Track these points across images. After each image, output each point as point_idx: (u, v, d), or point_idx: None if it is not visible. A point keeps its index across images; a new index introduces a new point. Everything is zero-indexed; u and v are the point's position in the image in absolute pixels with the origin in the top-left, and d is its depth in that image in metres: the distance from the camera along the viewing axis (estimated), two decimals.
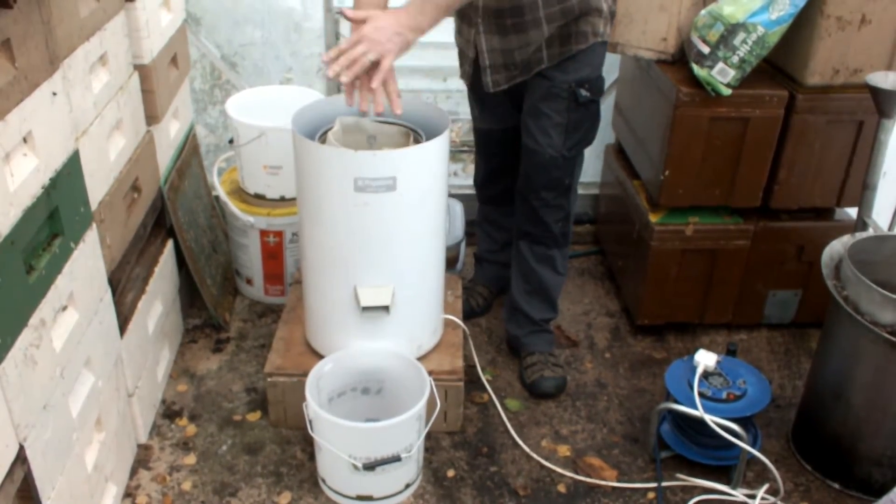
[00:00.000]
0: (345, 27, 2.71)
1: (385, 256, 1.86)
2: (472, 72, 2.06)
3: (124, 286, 1.95)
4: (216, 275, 2.50)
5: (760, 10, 2.04)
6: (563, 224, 2.17)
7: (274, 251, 2.48)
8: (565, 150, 2.05)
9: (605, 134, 2.88)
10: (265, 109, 2.45)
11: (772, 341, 2.47)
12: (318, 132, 1.90)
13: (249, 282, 2.57)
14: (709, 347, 2.41)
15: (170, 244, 2.24)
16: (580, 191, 2.98)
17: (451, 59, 2.20)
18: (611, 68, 2.75)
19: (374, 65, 1.70)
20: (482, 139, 2.31)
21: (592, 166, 2.95)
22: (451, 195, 2.78)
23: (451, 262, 2.56)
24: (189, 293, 2.47)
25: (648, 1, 2.20)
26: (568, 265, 2.35)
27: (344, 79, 1.68)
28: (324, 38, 2.70)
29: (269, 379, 2.01)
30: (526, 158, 2.10)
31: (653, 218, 2.34)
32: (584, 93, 1.99)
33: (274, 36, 2.69)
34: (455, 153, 2.91)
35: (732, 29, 2.05)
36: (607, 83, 2.80)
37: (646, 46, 2.26)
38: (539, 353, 2.28)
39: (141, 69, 2.00)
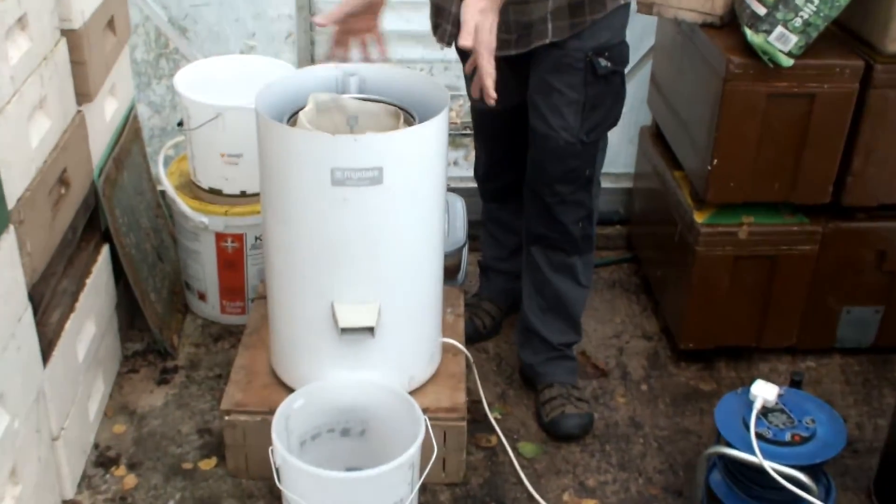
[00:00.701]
0: None
1: (369, 266, 1.85)
2: (457, 32, 2.03)
3: (49, 303, 1.94)
4: (162, 288, 2.50)
5: None
6: (584, 225, 2.17)
7: (232, 259, 2.48)
8: (583, 133, 2.05)
9: (639, 113, 2.88)
10: (222, 85, 2.45)
11: (847, 370, 2.47)
12: (287, 113, 1.90)
13: (202, 297, 2.56)
14: (769, 377, 2.37)
15: (105, 251, 2.24)
16: (608, 184, 2.98)
17: None
18: (646, 33, 2.76)
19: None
20: (481, 121, 2.31)
21: (624, 153, 2.95)
22: (450, 189, 2.76)
23: (450, 273, 2.56)
24: (129, 311, 2.46)
25: None
26: (593, 275, 2.34)
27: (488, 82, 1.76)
28: None
29: (226, 418, 2.00)
30: (535, 145, 2.10)
31: (698, 217, 2.33)
32: (603, 62, 1.99)
33: None
34: (455, 137, 2.91)
35: None
36: (642, 51, 2.82)
37: (688, 7, 2.26)
38: (559, 384, 2.28)
39: (70, 35, 2.00)
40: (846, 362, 2.48)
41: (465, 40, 1.77)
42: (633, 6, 2.62)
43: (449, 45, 2.06)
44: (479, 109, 2.28)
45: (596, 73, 1.99)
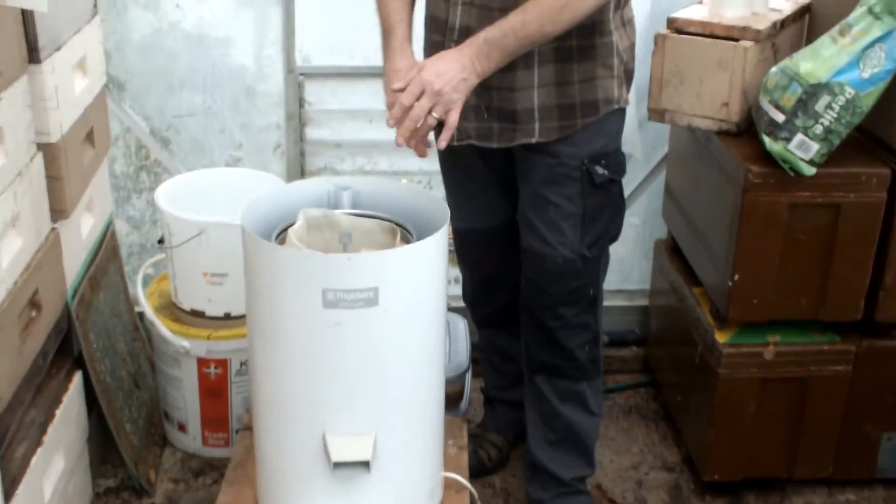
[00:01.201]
0: (310, 93, 2.78)
1: (364, 394, 1.85)
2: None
3: (14, 435, 1.94)
4: (138, 419, 2.49)
5: (848, 67, 2.09)
6: (590, 348, 2.17)
7: (216, 387, 2.48)
8: (584, 248, 2.06)
9: (653, 226, 2.91)
10: (206, 199, 2.48)
11: (890, 503, 2.44)
12: (275, 229, 1.92)
13: (182, 428, 2.56)
14: None
15: (77, 378, 2.24)
16: (622, 302, 2.99)
17: None
18: (658, 141, 2.82)
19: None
20: (463, 243, 2.31)
21: (638, 269, 2.97)
22: (451, 309, 2.77)
23: (452, 401, 2.56)
24: (101, 444, 2.45)
25: (703, 55, 2.25)
26: (607, 401, 2.34)
27: (401, 142, 1.84)
28: (283, 106, 2.77)
29: None
30: (531, 265, 2.11)
31: (720, 337, 2.35)
32: (601, 171, 2.01)
33: (219, 103, 2.76)
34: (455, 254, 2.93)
35: (813, 91, 2.10)
36: (655, 159, 2.87)
37: (702, 114, 2.30)
38: None
39: (46, 149, 2.04)
40: (890, 495, 2.45)
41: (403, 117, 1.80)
42: (639, 113, 2.69)
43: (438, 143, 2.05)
44: (461, 229, 2.28)
45: (594, 183, 2.01)
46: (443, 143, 1.86)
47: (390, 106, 1.87)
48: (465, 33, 1.91)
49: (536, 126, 1.98)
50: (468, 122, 1.99)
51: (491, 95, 1.96)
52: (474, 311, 2.44)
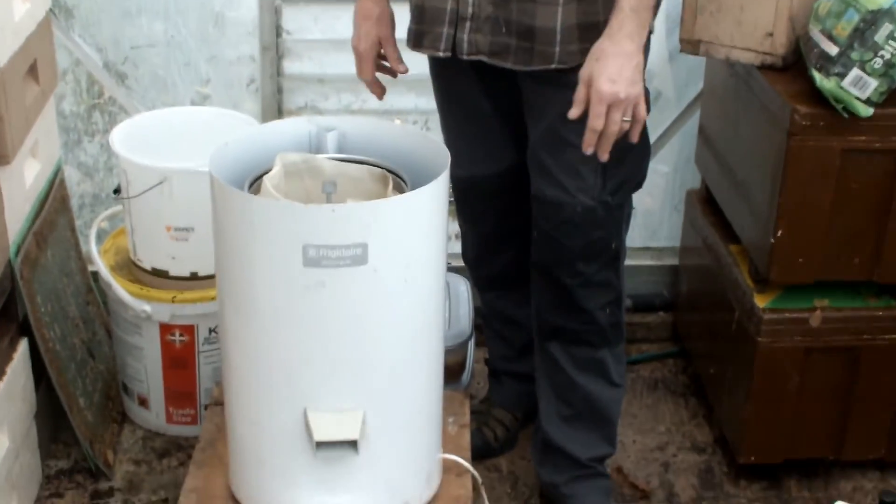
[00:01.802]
0: (288, 20, 2.75)
1: (351, 365, 1.85)
2: (448, 38, 2.02)
3: None
4: (93, 392, 2.50)
5: None
6: (612, 310, 2.18)
7: (181, 356, 2.49)
8: (607, 194, 2.07)
9: (684, 174, 2.91)
10: (169, 143, 2.47)
11: None
12: (248, 177, 1.91)
13: (144, 403, 2.56)
14: (852, 498, 2.40)
15: (23, 346, 2.24)
16: (648, 261, 3.01)
17: None
18: (692, 77, 2.80)
19: None
20: (464, 193, 2.32)
21: (668, 223, 2.97)
22: (451, 269, 2.77)
23: (453, 373, 2.56)
24: (52, 420, 2.46)
25: None
26: (630, 373, 2.34)
27: (607, 157, 1.93)
28: (257, 35, 2.75)
29: None
30: (545, 216, 2.11)
31: (760, 301, 2.35)
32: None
33: (183, 32, 2.73)
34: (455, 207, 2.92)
35: (872, 18, 2.08)
36: (688, 98, 2.86)
37: (742, 45, 2.29)
38: None
39: None
40: None
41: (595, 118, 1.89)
42: (669, 44, 2.70)
43: (445, 52, 2.03)
44: (462, 177, 2.25)
45: None
46: (636, 138, 1.93)
47: (359, 71, 2.13)
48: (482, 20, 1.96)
49: (557, 49, 1.98)
50: (482, 35, 1.99)
51: (511, 7, 1.96)
52: (476, 272, 2.45)
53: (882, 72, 2.10)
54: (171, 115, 2.57)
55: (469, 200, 2.33)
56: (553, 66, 1.99)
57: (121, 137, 2.43)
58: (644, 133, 2.06)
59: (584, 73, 1.90)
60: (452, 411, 2.25)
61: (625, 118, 1.88)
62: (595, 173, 2.05)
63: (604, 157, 1.91)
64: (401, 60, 2.14)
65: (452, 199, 2.87)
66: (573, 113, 1.90)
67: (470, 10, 1.98)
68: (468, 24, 2.00)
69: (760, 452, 2.42)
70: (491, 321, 2.51)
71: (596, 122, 1.88)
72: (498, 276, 2.40)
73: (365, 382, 1.87)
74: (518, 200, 2.20)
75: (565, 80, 1.98)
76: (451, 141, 2.23)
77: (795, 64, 2.27)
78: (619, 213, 2.12)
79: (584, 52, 1.96)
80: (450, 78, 2.14)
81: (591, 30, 1.96)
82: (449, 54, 2.03)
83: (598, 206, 2.07)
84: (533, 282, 2.21)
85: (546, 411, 2.27)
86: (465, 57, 2.01)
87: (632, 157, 2.07)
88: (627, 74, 1.86)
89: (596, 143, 1.90)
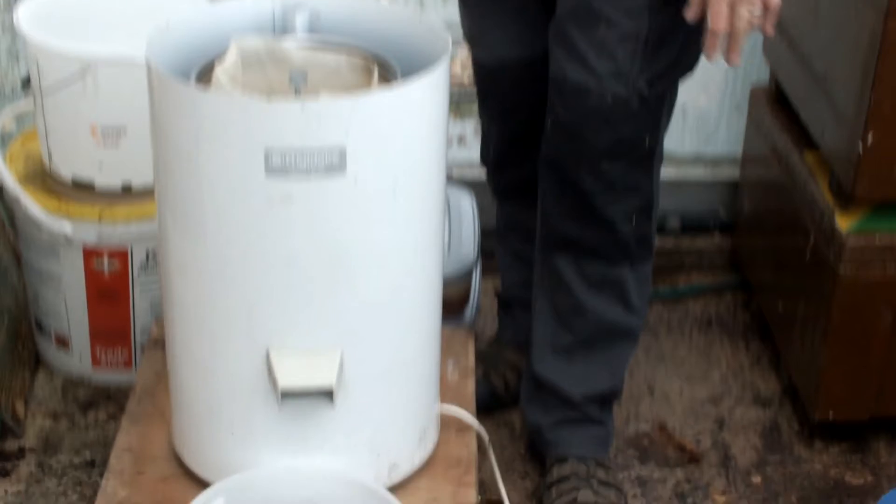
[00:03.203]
0: None
1: (325, 295, 1.86)
2: None
3: None
4: None
5: None
6: (639, 220, 2.21)
7: (111, 287, 2.52)
8: (643, 82, 2.09)
9: (747, 66, 2.92)
10: (93, 23, 2.48)
11: None
12: (196, 66, 1.91)
13: (63, 343, 2.60)
14: None
15: None
16: (701, 173, 3.02)
17: None
18: None
19: None
20: (489, 82, 2.35)
21: (725, 126, 2.99)
22: (452, 181, 2.80)
23: (455, 307, 2.60)
24: None
25: None
26: (679, 309, 2.36)
27: (737, 61, 1.95)
28: None
29: None
30: (565, 102, 2.13)
31: (842, 223, 2.38)
32: None
33: None
34: (461, 103, 2.96)
35: None
36: None
37: None
38: (576, 460, 2.32)
39: None
40: None
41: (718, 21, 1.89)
42: None
43: None
44: (483, 66, 2.31)
45: None
46: (770, 31, 1.94)
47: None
48: None
49: None
50: None
51: None
52: (498, 176, 2.50)
53: None
54: None
55: (494, 91, 2.36)
56: None
57: (29, 14, 2.41)
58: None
59: None
60: (453, 353, 2.27)
61: (755, 13, 1.90)
62: (632, 55, 2.06)
63: (735, 61, 1.93)
64: None
65: (455, 94, 2.92)
66: (691, 14, 1.92)
67: None
68: None
69: (841, 407, 2.46)
70: (508, 238, 2.55)
71: (718, 22, 1.89)
72: (522, 183, 2.43)
73: (342, 317, 1.87)
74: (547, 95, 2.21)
75: None
76: (474, 21, 2.27)
77: None
78: (659, 105, 2.14)
79: None
80: None
81: None
82: None
83: (633, 95, 2.09)
84: (541, 181, 2.24)
85: (539, 339, 2.32)
86: None
87: (682, 36, 2.08)
88: None
89: (733, 53, 1.93)
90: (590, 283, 2.26)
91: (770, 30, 1.93)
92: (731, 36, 1.90)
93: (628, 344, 2.35)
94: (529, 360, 2.37)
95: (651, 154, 2.18)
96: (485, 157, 2.50)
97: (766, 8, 1.90)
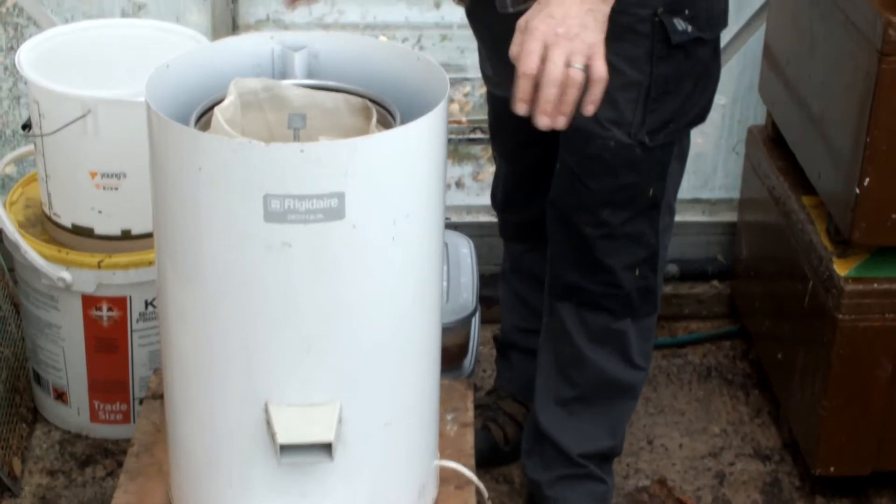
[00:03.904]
0: None
1: (324, 346, 1.86)
2: None
3: None
4: None
5: None
6: (642, 273, 2.20)
7: (110, 337, 2.50)
8: (645, 133, 2.09)
9: (745, 107, 2.92)
10: (94, 65, 2.47)
11: None
12: (195, 109, 1.91)
13: (61, 397, 2.58)
14: None
15: None
16: (700, 217, 3.01)
17: None
18: None
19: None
20: (501, 117, 2.34)
21: (723, 169, 2.99)
22: (451, 226, 2.79)
23: (453, 357, 2.58)
24: None
25: None
26: (677, 359, 2.36)
27: (563, 124, 1.81)
28: None
29: None
30: (570, 146, 2.13)
31: (841, 268, 2.37)
32: (681, 25, 2.02)
33: None
34: (459, 145, 2.95)
35: None
36: (750, 9, 2.86)
37: None
38: None
39: None
40: None
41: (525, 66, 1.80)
42: None
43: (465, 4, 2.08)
44: (498, 98, 2.30)
45: (669, 42, 2.02)
46: (592, 109, 1.83)
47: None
48: None
49: None
50: None
51: None
52: (507, 217, 2.49)
53: None
54: (96, 30, 2.56)
55: (506, 127, 2.35)
56: None
57: (31, 58, 2.41)
58: (710, 56, 2.09)
59: (520, 22, 1.85)
60: (452, 406, 2.26)
61: (576, 64, 1.80)
62: (635, 104, 2.06)
63: (542, 122, 1.81)
64: None
65: (455, 137, 2.91)
66: (511, 53, 1.84)
67: None
68: None
69: (842, 461, 2.44)
70: (512, 280, 2.54)
71: (527, 61, 1.80)
72: (529, 225, 2.42)
73: (341, 370, 1.87)
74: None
75: None
76: (490, 55, 2.27)
77: None
78: (664, 156, 2.13)
79: None
80: None
81: None
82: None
83: (636, 143, 2.08)
84: (548, 224, 2.23)
85: (542, 390, 2.31)
86: (510, 9, 2.02)
87: (687, 86, 2.08)
88: (572, 13, 1.81)
89: (533, 96, 1.82)
90: (591, 335, 2.25)
91: (589, 109, 1.83)
92: (542, 84, 1.80)
93: (629, 400, 2.33)
94: (533, 409, 2.36)
95: (656, 205, 2.16)
96: (494, 197, 2.50)
97: (589, 67, 1.81)
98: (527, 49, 1.80)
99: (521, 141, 2.35)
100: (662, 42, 2.03)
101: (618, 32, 2.00)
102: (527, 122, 2.28)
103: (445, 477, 2.12)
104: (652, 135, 2.09)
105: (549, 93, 1.79)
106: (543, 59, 1.79)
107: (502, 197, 2.46)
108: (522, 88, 1.81)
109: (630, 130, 2.08)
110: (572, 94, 1.79)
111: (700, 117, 2.16)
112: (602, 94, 1.82)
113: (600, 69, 1.80)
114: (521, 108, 1.83)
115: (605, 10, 1.83)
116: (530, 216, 2.40)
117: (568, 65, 1.79)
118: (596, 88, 1.81)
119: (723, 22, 2.10)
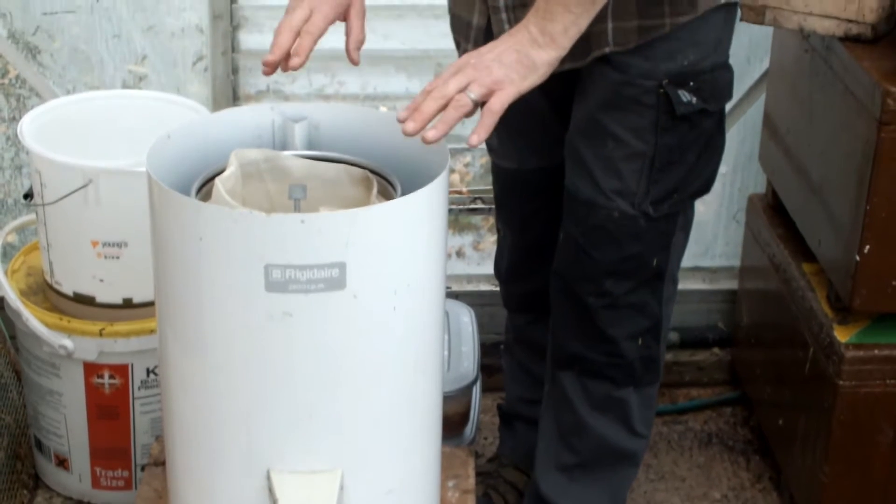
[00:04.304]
0: None
1: (326, 415, 1.86)
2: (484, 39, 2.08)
3: None
4: None
5: None
6: (645, 342, 2.20)
7: (112, 405, 2.50)
8: (649, 203, 2.09)
9: (745, 176, 2.93)
10: (95, 136, 2.49)
11: None
12: (196, 179, 1.92)
13: (63, 464, 2.57)
14: None
15: None
16: (700, 285, 3.02)
17: (448, 32, 2.26)
18: (755, 52, 2.82)
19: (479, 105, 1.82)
20: (506, 188, 2.37)
21: (724, 237, 2.99)
22: (452, 296, 2.79)
23: (454, 425, 2.58)
24: None
25: None
26: (678, 425, 2.35)
27: (431, 136, 1.80)
28: (207, 2, 2.76)
29: None
30: (575, 216, 2.14)
31: (841, 335, 2.37)
32: (686, 97, 2.04)
33: None
34: (460, 215, 2.95)
35: None
36: (750, 79, 2.88)
37: (820, 12, 2.29)
38: None
39: None
40: None
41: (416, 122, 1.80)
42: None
43: None
44: (502, 170, 2.33)
45: (674, 114, 2.03)
46: (475, 139, 1.82)
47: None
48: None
49: (609, 27, 2.00)
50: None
51: None
52: (511, 287, 2.49)
53: None
54: (97, 101, 2.58)
55: (511, 199, 2.37)
56: (608, 50, 2.01)
57: (33, 128, 2.43)
58: (714, 127, 2.10)
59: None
60: (453, 473, 2.25)
61: (471, 94, 1.81)
62: (639, 174, 2.07)
63: (408, 127, 1.80)
64: (360, 45, 2.07)
65: (455, 207, 2.92)
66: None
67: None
68: (503, 12, 2.04)
69: None
70: (516, 351, 2.54)
71: (433, 82, 1.84)
72: (533, 296, 2.43)
73: (343, 438, 1.87)
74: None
75: (615, 59, 2.02)
76: (496, 128, 2.27)
77: (888, 35, 2.28)
78: (669, 226, 2.14)
79: (644, 32, 2.00)
80: None
81: (653, 2, 1.98)
82: None
83: (640, 214, 2.09)
84: (552, 295, 2.24)
85: (543, 457, 2.31)
86: None
87: (692, 157, 2.09)
88: (499, 52, 1.84)
89: (422, 109, 1.82)
90: (593, 403, 2.25)
91: (473, 137, 1.82)
92: (427, 98, 1.82)
93: (630, 467, 2.33)
94: (534, 476, 2.35)
95: (660, 275, 2.17)
96: (497, 267, 2.50)
97: (486, 99, 1.82)
98: (442, 74, 1.84)
99: (527, 212, 2.37)
100: (667, 113, 2.04)
101: (623, 103, 2.05)
102: (533, 193, 2.32)
103: None
104: (656, 205, 2.09)
105: (427, 104, 1.81)
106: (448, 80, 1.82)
107: (507, 268, 2.47)
108: (414, 101, 1.83)
109: (634, 201, 2.08)
110: (451, 115, 1.80)
111: (705, 188, 2.17)
112: (491, 127, 1.81)
113: (496, 104, 1.81)
114: (400, 115, 1.83)
115: (541, 55, 1.84)
116: (535, 287, 2.41)
117: (461, 90, 1.80)
118: (486, 119, 1.81)
119: (728, 94, 2.11)
